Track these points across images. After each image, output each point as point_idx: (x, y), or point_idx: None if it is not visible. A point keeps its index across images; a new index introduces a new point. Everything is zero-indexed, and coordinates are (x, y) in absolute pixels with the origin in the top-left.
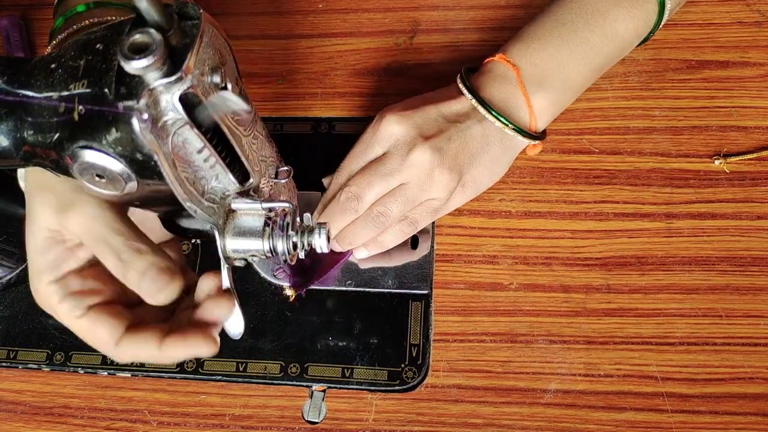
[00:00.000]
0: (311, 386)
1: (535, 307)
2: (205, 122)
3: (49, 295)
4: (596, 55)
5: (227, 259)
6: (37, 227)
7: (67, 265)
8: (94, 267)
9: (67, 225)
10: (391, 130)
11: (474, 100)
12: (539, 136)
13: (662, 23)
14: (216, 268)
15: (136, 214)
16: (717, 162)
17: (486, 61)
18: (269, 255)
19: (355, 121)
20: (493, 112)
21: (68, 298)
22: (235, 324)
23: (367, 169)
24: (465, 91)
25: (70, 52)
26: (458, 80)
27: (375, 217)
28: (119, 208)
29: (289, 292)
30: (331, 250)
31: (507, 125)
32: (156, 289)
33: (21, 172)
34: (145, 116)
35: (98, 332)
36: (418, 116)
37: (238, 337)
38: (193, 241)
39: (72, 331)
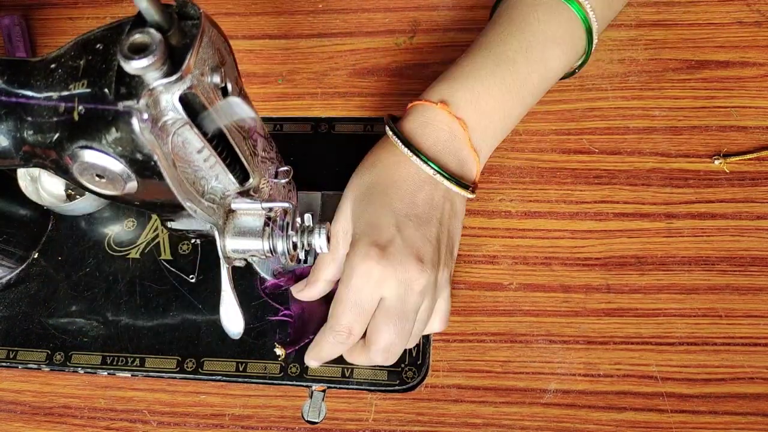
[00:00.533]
0: (311, 386)
1: (535, 307)
2: (209, 128)
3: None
4: (531, 96)
5: (227, 259)
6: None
7: None
8: None
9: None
10: (382, 280)
11: (446, 181)
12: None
13: (585, 64)
14: (216, 267)
15: None
16: (717, 162)
17: (422, 102)
18: (269, 255)
19: (355, 121)
20: (461, 184)
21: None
22: (234, 324)
23: (383, 317)
24: (434, 174)
25: (70, 52)
26: (416, 159)
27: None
28: None
29: (279, 351)
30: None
31: (470, 193)
32: None
33: (21, 172)
34: (145, 116)
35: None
36: (404, 244)
37: (238, 337)
38: (193, 240)
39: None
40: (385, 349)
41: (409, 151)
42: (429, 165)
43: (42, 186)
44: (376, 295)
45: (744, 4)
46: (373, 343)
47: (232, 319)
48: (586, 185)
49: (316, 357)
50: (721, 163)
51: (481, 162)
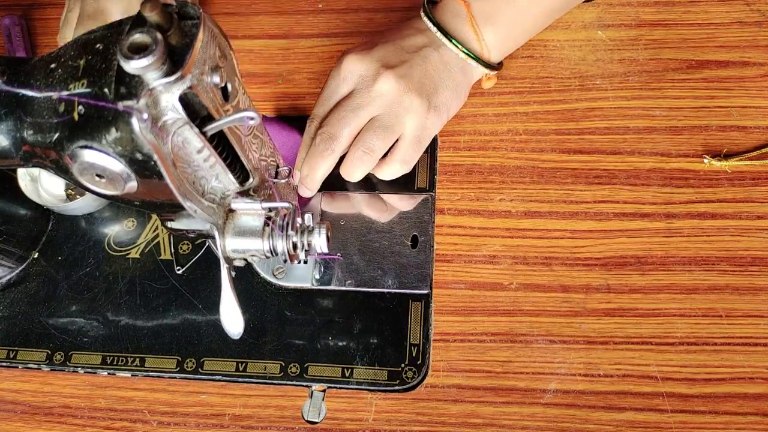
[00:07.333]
0: (311, 386)
1: (535, 307)
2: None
3: None
4: None
5: (227, 259)
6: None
7: None
8: None
9: None
10: (353, 67)
11: (433, 26)
12: (495, 66)
13: None
14: (216, 266)
15: None
16: (706, 161)
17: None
18: (269, 255)
19: None
20: (451, 39)
21: None
22: (234, 324)
23: (336, 108)
24: (425, 19)
25: (69, 52)
26: (421, 11)
27: (361, 157)
28: None
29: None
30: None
31: (461, 50)
32: None
33: (21, 172)
34: (145, 116)
35: None
36: (377, 51)
37: (238, 337)
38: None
39: None
40: (330, 136)
41: (423, 13)
42: (439, 29)
43: (42, 186)
44: (347, 87)
45: (744, 4)
46: (322, 126)
47: (232, 319)
48: (586, 185)
49: (300, 159)
50: (708, 161)
51: (488, 42)
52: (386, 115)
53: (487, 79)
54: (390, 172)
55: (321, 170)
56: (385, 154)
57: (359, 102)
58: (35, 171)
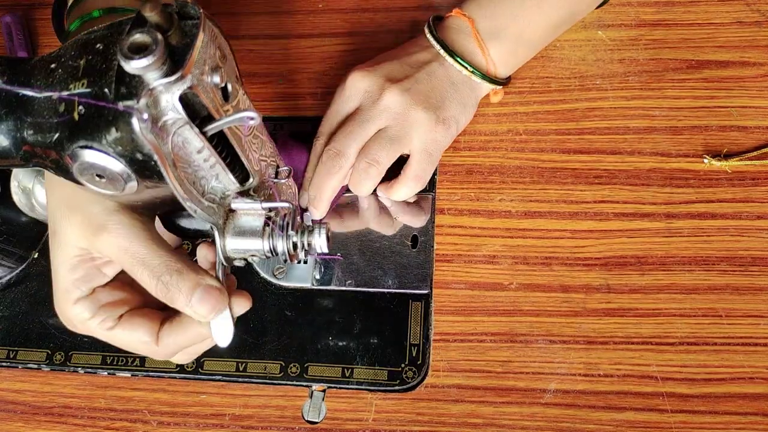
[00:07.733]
0: (311, 386)
1: (535, 307)
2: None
3: (79, 312)
4: (554, 10)
5: (227, 259)
6: (66, 246)
7: (96, 282)
8: (119, 278)
9: (99, 247)
10: (358, 84)
11: (437, 44)
12: (502, 81)
13: None
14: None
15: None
16: (706, 161)
17: (445, 16)
18: (269, 255)
19: None
20: (455, 56)
21: (99, 312)
22: (223, 331)
23: (343, 125)
24: (429, 36)
25: (70, 52)
26: (425, 28)
27: (366, 169)
28: (151, 225)
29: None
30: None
31: (466, 67)
32: (207, 309)
33: (14, 186)
34: (145, 116)
35: (136, 336)
36: (382, 68)
37: (226, 345)
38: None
39: (111, 343)
40: (337, 153)
41: (427, 30)
42: (443, 47)
43: (36, 199)
44: (353, 103)
45: (744, 4)
46: (330, 143)
47: (221, 327)
48: (586, 185)
49: (308, 178)
50: (708, 161)
51: (494, 57)
52: (392, 128)
53: (494, 93)
54: (404, 190)
55: (329, 189)
56: (398, 174)
57: (365, 116)
58: (28, 184)
